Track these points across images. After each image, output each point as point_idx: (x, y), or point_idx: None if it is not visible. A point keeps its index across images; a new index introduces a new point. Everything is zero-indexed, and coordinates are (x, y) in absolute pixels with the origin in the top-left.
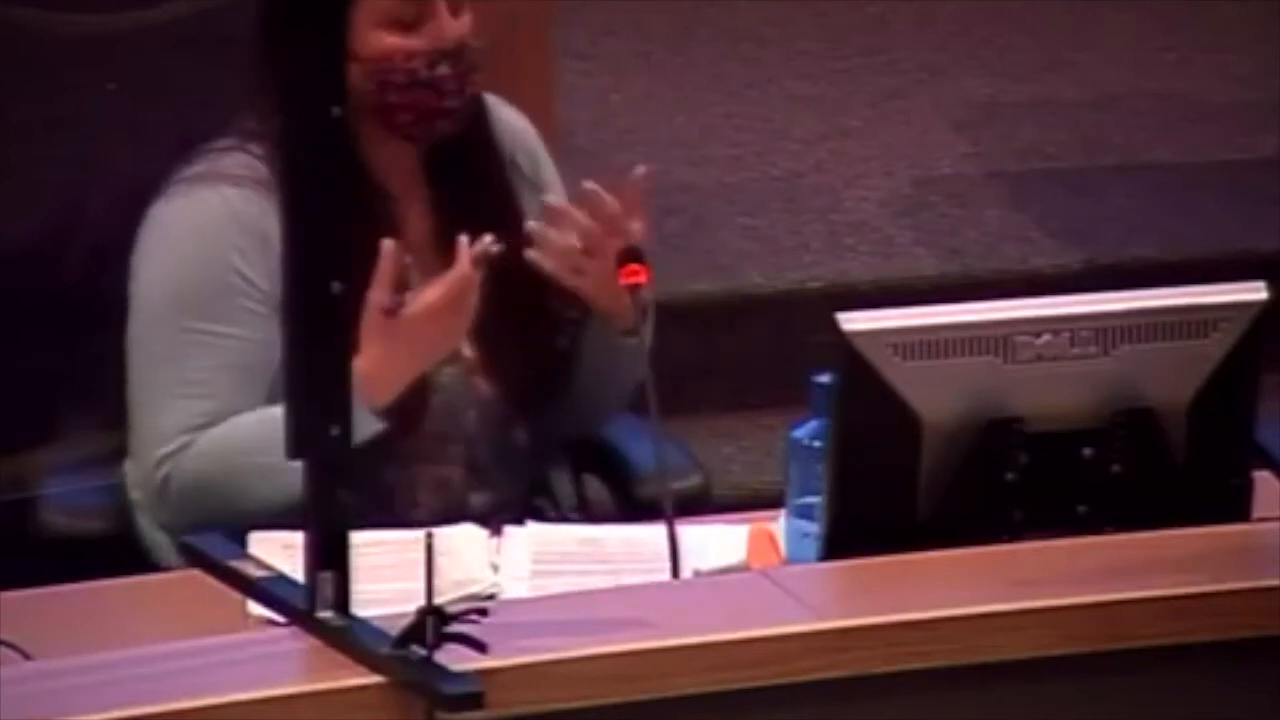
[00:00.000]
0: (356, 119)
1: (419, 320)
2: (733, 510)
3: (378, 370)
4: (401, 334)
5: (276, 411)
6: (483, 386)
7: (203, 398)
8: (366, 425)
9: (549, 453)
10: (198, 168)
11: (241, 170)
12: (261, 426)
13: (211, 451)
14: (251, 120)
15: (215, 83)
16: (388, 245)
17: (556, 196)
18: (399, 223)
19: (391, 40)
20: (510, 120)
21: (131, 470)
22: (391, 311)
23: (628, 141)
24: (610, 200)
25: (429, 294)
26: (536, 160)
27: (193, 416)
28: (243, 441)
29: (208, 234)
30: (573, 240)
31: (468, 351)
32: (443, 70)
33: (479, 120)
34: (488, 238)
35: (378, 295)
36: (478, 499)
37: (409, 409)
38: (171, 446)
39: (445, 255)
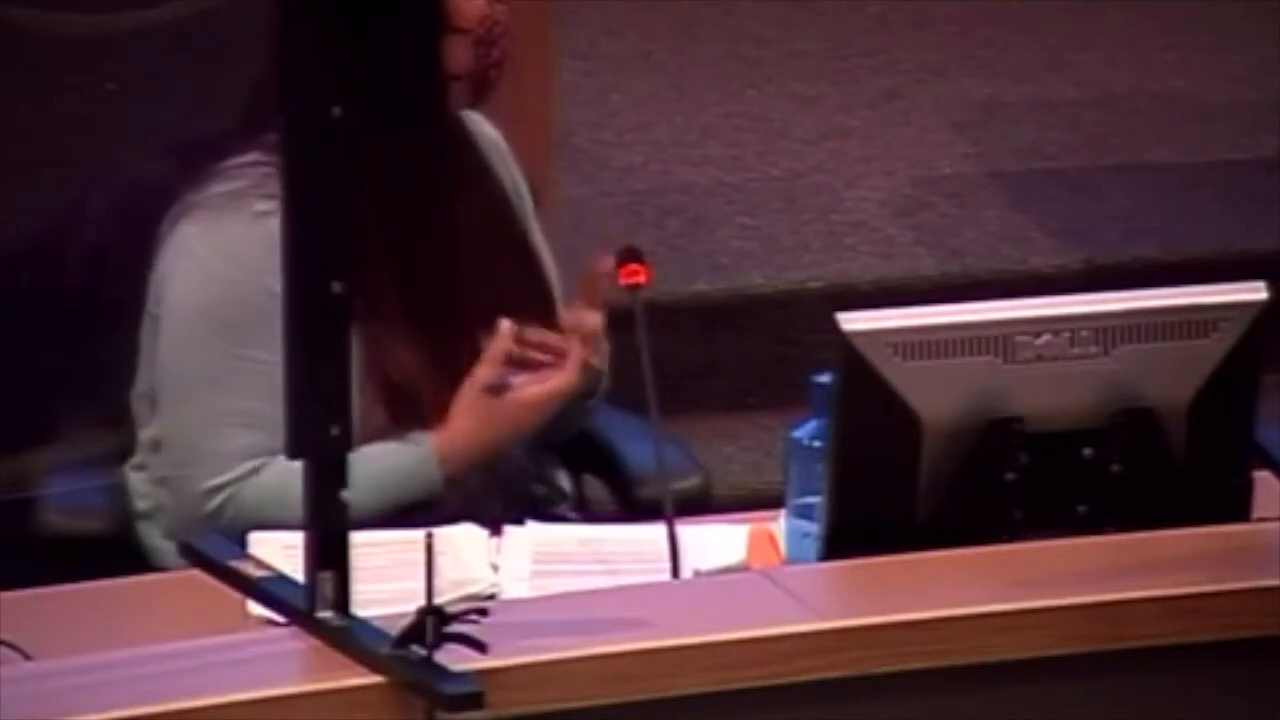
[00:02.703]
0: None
1: (517, 407)
2: (733, 510)
3: (465, 444)
4: (497, 416)
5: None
6: None
7: (252, 427)
8: (429, 489)
9: (542, 452)
10: (223, 186)
11: (271, 189)
12: None
13: (274, 486)
14: (275, 134)
15: (215, 83)
16: (503, 326)
17: (527, 209)
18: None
19: (480, 1)
20: (486, 129)
21: (138, 482)
22: (495, 391)
23: (628, 141)
24: (590, 320)
25: (535, 387)
26: (510, 168)
27: (245, 447)
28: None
29: (240, 255)
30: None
31: None
32: (501, 14)
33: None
34: (596, 356)
35: (485, 372)
36: (491, 506)
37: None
38: (229, 476)
39: None
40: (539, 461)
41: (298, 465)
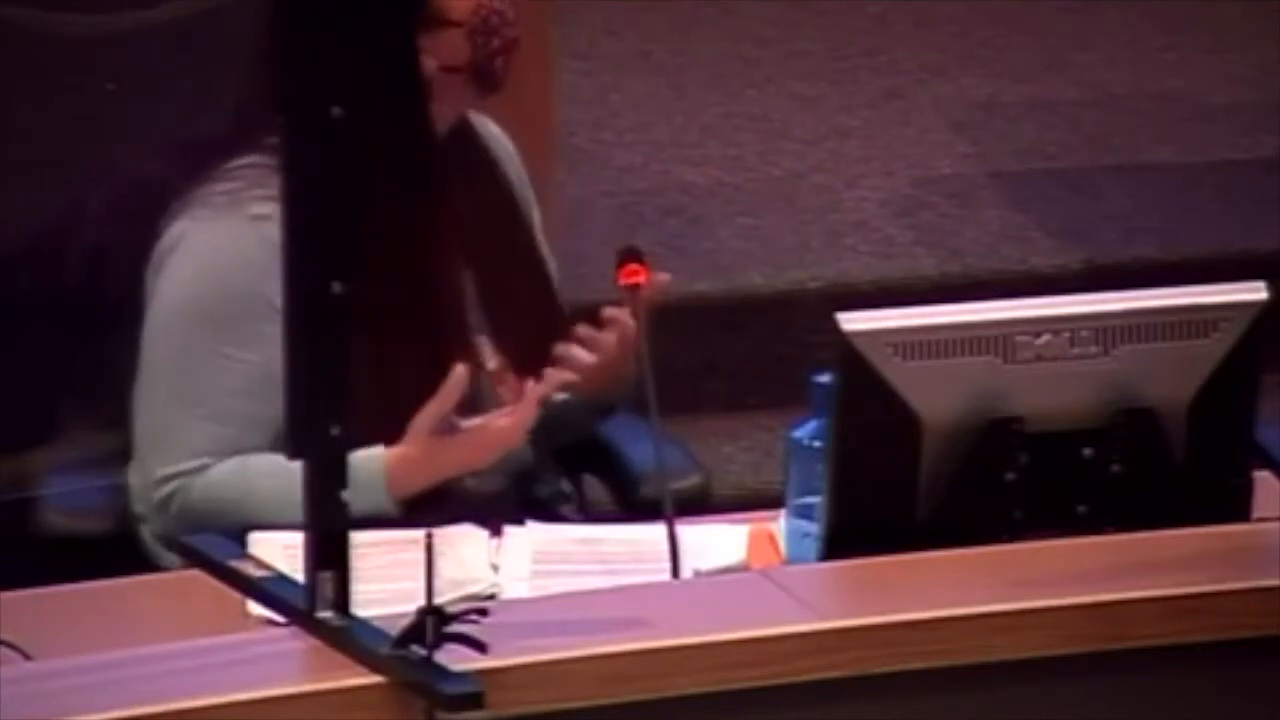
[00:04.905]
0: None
1: (465, 442)
2: (733, 510)
3: (409, 469)
4: (445, 449)
5: (294, 466)
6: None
7: (217, 421)
8: (382, 506)
9: (542, 455)
10: (225, 186)
11: (269, 191)
12: (275, 471)
13: (223, 485)
14: (273, 135)
15: (215, 83)
16: (459, 371)
17: (532, 207)
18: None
19: None
20: (491, 129)
21: (135, 480)
22: (442, 430)
23: (628, 141)
24: (631, 324)
25: (485, 424)
26: (519, 169)
27: (206, 440)
28: (254, 485)
29: (234, 255)
30: (593, 359)
31: (490, 364)
32: (500, 3)
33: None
34: (557, 378)
35: (433, 410)
36: (491, 510)
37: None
38: (181, 467)
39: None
40: (539, 464)
41: (253, 476)
